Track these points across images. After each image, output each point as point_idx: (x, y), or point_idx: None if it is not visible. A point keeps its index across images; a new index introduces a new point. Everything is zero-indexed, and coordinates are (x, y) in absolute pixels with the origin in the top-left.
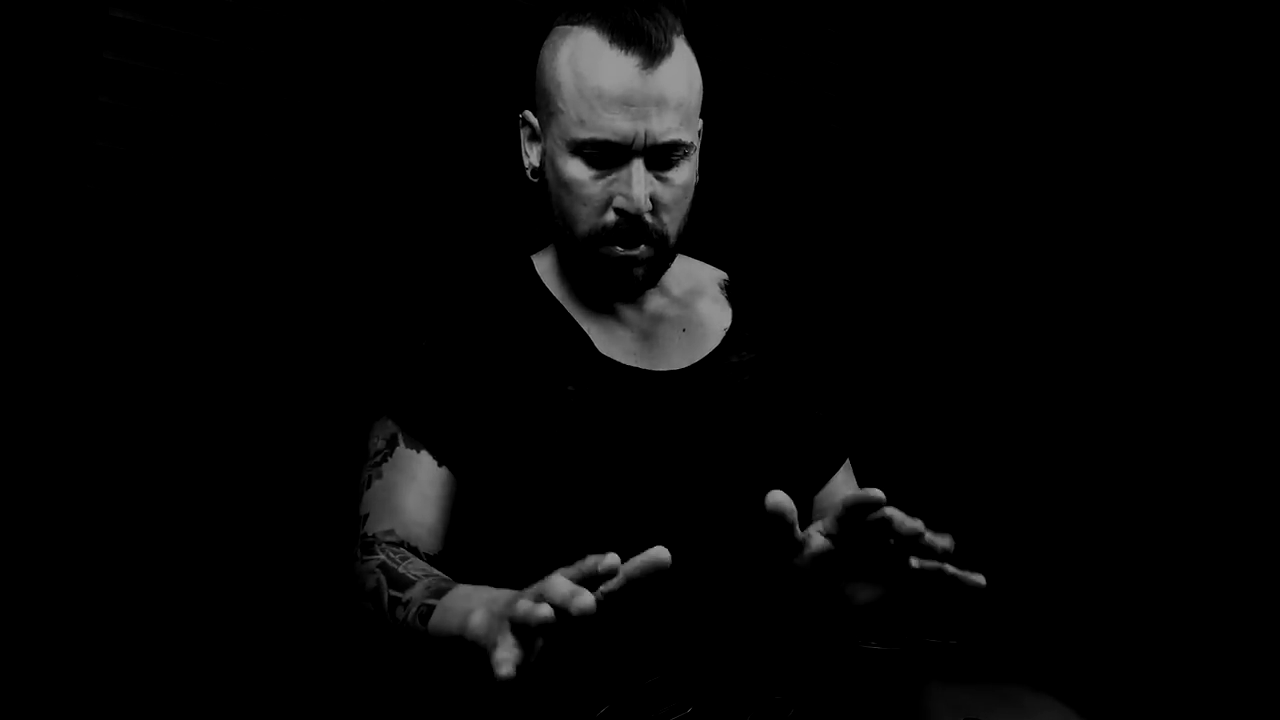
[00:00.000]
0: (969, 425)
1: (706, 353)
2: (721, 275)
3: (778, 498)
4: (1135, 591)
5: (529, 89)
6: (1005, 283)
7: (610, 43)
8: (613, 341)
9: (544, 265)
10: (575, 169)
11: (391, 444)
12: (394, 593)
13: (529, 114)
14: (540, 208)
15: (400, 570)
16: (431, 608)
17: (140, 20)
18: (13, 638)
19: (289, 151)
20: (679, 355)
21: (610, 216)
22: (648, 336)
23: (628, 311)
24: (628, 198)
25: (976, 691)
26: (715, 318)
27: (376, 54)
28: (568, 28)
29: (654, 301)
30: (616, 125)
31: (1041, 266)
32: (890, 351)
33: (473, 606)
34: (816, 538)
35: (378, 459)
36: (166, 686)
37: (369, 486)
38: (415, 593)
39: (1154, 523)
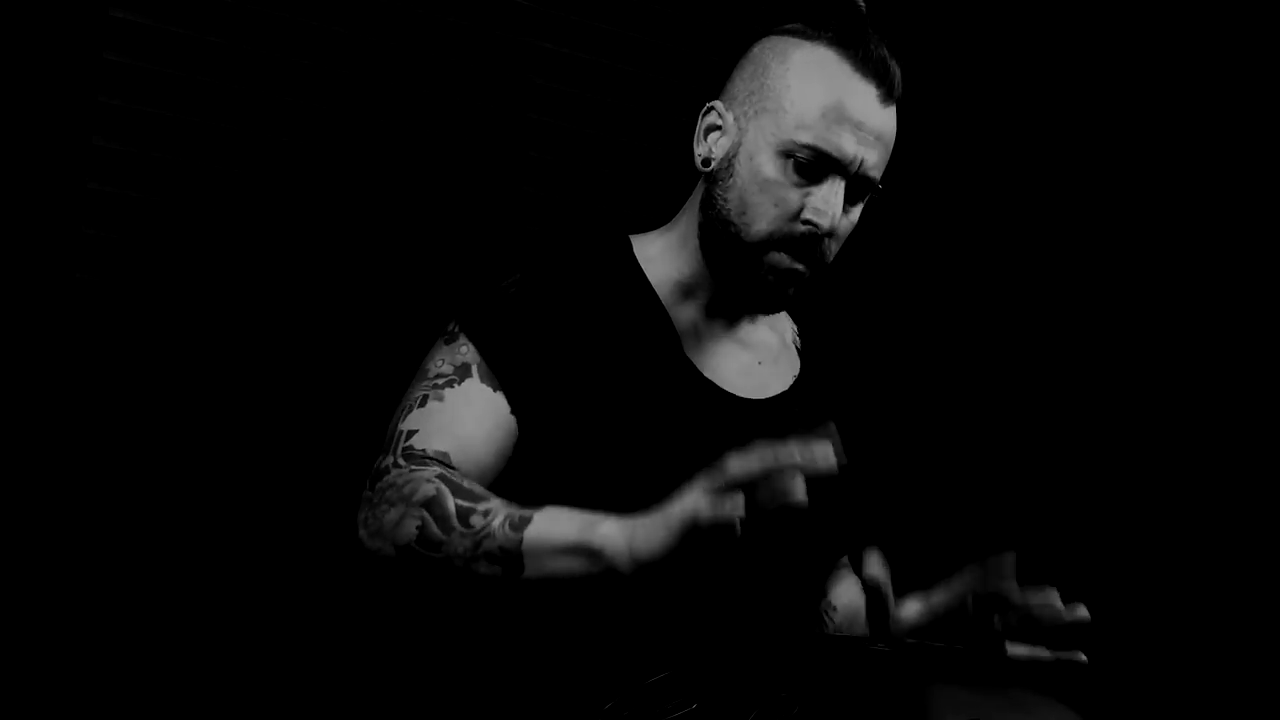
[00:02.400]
0: (975, 432)
1: (774, 393)
2: (793, 326)
3: (875, 572)
4: (1137, 595)
5: (709, 84)
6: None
7: (854, 68)
8: (698, 348)
9: (646, 251)
10: (778, 169)
11: (463, 373)
12: (464, 502)
13: (719, 106)
14: (703, 201)
15: (466, 485)
16: (527, 518)
17: (140, 20)
18: (13, 638)
19: (290, 151)
20: (752, 384)
21: (798, 226)
22: (731, 356)
23: (718, 324)
24: (822, 211)
25: (981, 693)
26: (786, 363)
27: (378, 51)
28: (798, 41)
29: (745, 324)
30: (843, 143)
31: (1054, 287)
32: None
33: (593, 518)
34: (910, 611)
35: (440, 382)
36: (167, 686)
37: (422, 405)
38: (495, 505)
39: (1156, 526)
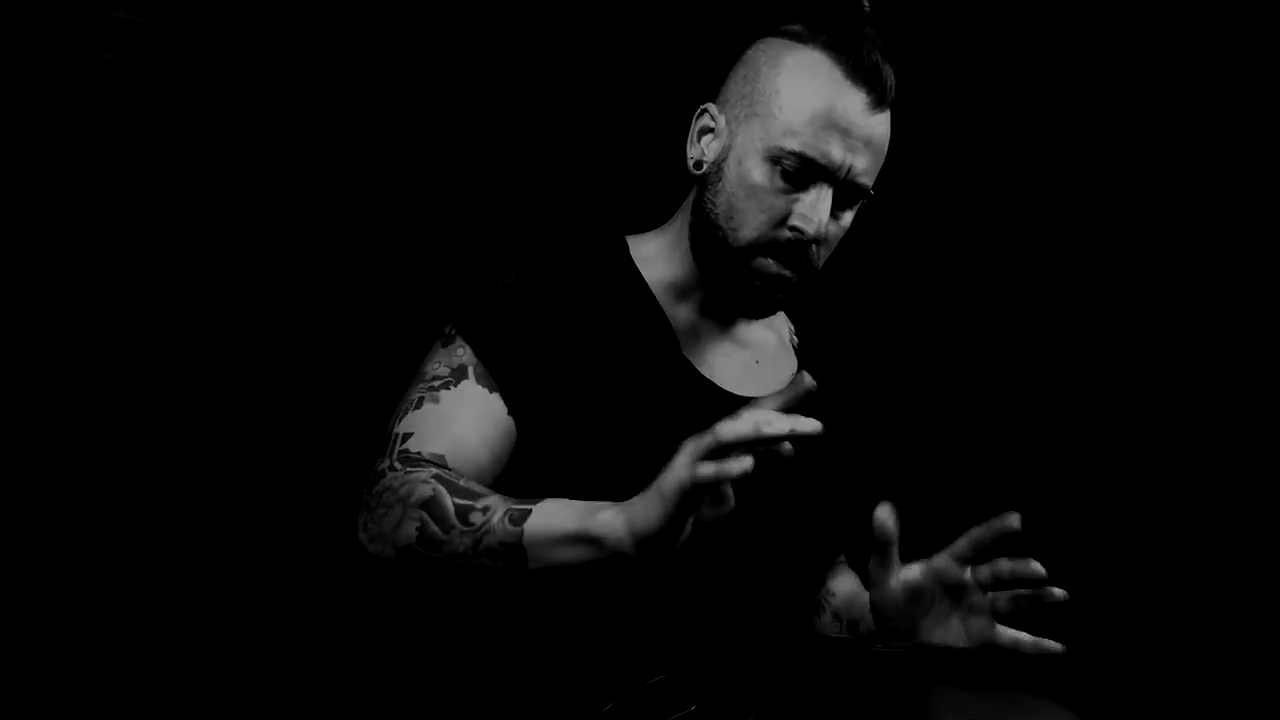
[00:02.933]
0: (976, 432)
1: (772, 392)
2: (790, 325)
3: (884, 514)
4: (1138, 596)
5: (707, 85)
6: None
7: (845, 74)
8: (696, 347)
9: (643, 251)
10: (765, 175)
11: (459, 375)
12: (462, 500)
13: (713, 108)
14: (694, 203)
15: (462, 484)
16: (526, 511)
17: (140, 20)
18: (13, 638)
19: (289, 151)
20: (750, 383)
21: (784, 232)
22: (728, 355)
23: (715, 323)
24: (808, 219)
25: (981, 695)
26: (784, 362)
27: (378, 51)
28: (792, 44)
29: (742, 323)
30: (830, 149)
31: (1055, 287)
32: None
33: (591, 505)
34: (912, 570)
35: (437, 384)
36: (167, 686)
37: (418, 407)
38: (493, 501)
39: (1155, 526)
